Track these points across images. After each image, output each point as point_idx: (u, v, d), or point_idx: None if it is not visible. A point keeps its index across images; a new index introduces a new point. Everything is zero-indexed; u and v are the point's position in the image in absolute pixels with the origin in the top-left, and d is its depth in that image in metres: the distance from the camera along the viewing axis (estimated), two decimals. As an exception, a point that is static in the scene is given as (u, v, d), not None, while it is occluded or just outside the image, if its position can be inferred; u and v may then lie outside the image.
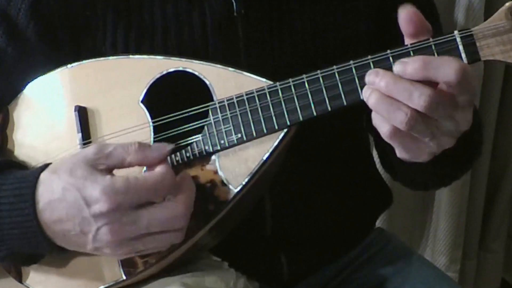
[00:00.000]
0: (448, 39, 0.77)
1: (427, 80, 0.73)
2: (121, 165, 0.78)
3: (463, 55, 0.76)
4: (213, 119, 0.83)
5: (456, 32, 0.77)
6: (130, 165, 0.79)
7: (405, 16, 0.76)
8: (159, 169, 0.78)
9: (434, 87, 0.74)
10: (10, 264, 0.90)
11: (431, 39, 0.77)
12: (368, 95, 0.75)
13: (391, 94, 0.74)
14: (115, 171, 0.79)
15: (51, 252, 0.81)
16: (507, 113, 1.80)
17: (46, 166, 0.81)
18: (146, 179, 0.77)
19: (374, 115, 0.76)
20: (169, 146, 0.80)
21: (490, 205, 1.90)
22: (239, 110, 0.82)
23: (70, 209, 0.76)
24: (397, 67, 0.75)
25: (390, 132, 0.75)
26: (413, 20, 0.76)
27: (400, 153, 0.79)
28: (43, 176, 0.79)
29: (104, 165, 0.78)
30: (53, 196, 0.78)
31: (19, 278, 0.91)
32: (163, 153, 0.80)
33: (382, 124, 0.76)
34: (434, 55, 0.76)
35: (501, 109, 1.79)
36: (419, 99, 0.72)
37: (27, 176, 0.81)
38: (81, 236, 0.77)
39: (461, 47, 0.76)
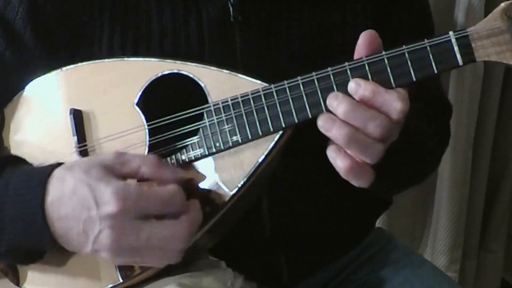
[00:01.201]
0: (443, 40, 0.77)
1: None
2: (135, 174, 0.79)
3: (458, 56, 0.76)
4: (208, 121, 0.83)
5: (451, 33, 0.77)
6: (143, 176, 0.80)
7: (365, 39, 0.78)
8: (172, 185, 0.79)
9: None
10: (8, 263, 0.90)
11: (426, 40, 0.77)
12: (338, 130, 0.78)
13: (348, 121, 0.77)
14: None
15: (51, 250, 0.81)
16: (507, 113, 1.80)
17: (59, 164, 0.81)
18: (158, 191, 0.78)
19: (329, 150, 0.80)
20: (182, 175, 0.82)
21: (490, 205, 1.90)
22: (234, 113, 0.82)
23: (78, 207, 0.77)
24: (351, 85, 0.78)
25: (346, 169, 0.79)
26: (372, 45, 0.78)
27: None
28: (57, 171, 0.80)
29: (119, 171, 0.79)
30: (64, 190, 0.78)
31: (16, 281, 0.91)
32: (178, 175, 0.81)
33: (339, 160, 0.79)
34: (429, 56, 0.77)
35: (501, 109, 1.79)
36: (375, 129, 0.76)
37: (38, 170, 0.82)
38: (82, 237, 0.77)
39: (456, 48, 0.76)
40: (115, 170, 0.79)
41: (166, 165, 0.82)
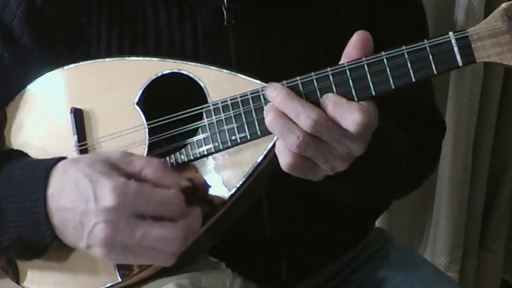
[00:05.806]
0: (443, 40, 0.76)
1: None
2: (138, 175, 0.79)
3: (458, 57, 0.76)
4: (207, 121, 0.83)
5: (451, 33, 0.76)
6: (145, 177, 0.79)
7: (359, 39, 0.77)
8: (172, 189, 0.79)
9: None
10: (11, 257, 0.90)
11: (426, 41, 0.76)
12: (265, 114, 0.78)
13: (283, 110, 0.76)
14: None
15: (51, 243, 0.81)
16: (507, 113, 1.80)
17: (62, 158, 0.82)
18: (158, 192, 0.78)
19: (276, 148, 0.79)
20: (186, 183, 0.81)
21: (490, 205, 1.90)
22: (233, 112, 0.81)
23: (78, 198, 0.77)
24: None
25: (289, 165, 0.78)
26: (365, 46, 0.77)
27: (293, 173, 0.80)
28: (61, 163, 0.81)
29: (123, 170, 0.79)
30: (65, 182, 0.79)
31: (17, 280, 0.91)
32: (181, 182, 0.81)
33: (283, 155, 0.78)
34: (429, 57, 0.76)
35: (501, 109, 1.79)
36: (304, 121, 0.75)
37: (41, 162, 0.82)
38: (78, 229, 0.78)
39: (456, 49, 0.76)
40: (119, 168, 0.79)
41: (170, 170, 0.82)
